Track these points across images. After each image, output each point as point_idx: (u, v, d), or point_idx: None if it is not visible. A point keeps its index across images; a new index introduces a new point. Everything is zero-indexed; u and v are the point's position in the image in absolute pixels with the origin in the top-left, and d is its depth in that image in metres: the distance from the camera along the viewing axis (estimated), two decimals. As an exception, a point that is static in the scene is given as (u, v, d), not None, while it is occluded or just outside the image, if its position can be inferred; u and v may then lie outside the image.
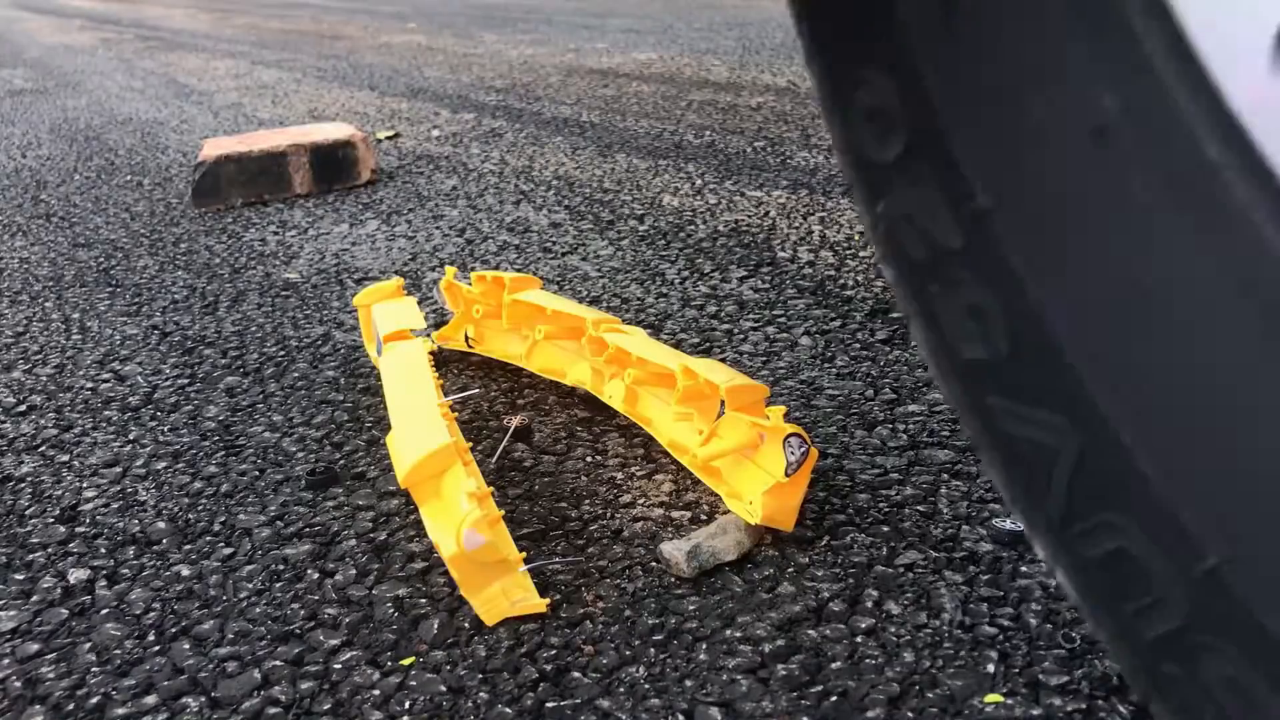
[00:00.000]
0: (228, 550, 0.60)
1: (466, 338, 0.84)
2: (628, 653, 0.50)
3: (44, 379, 0.86)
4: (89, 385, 0.84)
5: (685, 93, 2.03)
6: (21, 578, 0.58)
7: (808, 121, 1.68)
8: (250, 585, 0.57)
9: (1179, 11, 0.25)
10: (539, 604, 0.52)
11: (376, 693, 0.48)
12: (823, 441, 0.68)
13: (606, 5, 3.98)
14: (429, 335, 0.85)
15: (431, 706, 0.47)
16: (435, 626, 0.52)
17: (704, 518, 0.60)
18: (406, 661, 0.50)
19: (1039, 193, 0.28)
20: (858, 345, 0.82)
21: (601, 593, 0.54)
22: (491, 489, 0.55)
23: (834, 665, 0.48)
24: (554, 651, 0.50)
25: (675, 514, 0.61)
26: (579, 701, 0.47)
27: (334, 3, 5.37)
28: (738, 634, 0.50)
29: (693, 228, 1.16)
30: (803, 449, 0.56)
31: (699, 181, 1.35)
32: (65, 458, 0.72)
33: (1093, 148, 0.26)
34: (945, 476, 0.63)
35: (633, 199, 1.30)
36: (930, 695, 0.46)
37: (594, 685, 0.48)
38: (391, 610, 0.54)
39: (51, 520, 0.64)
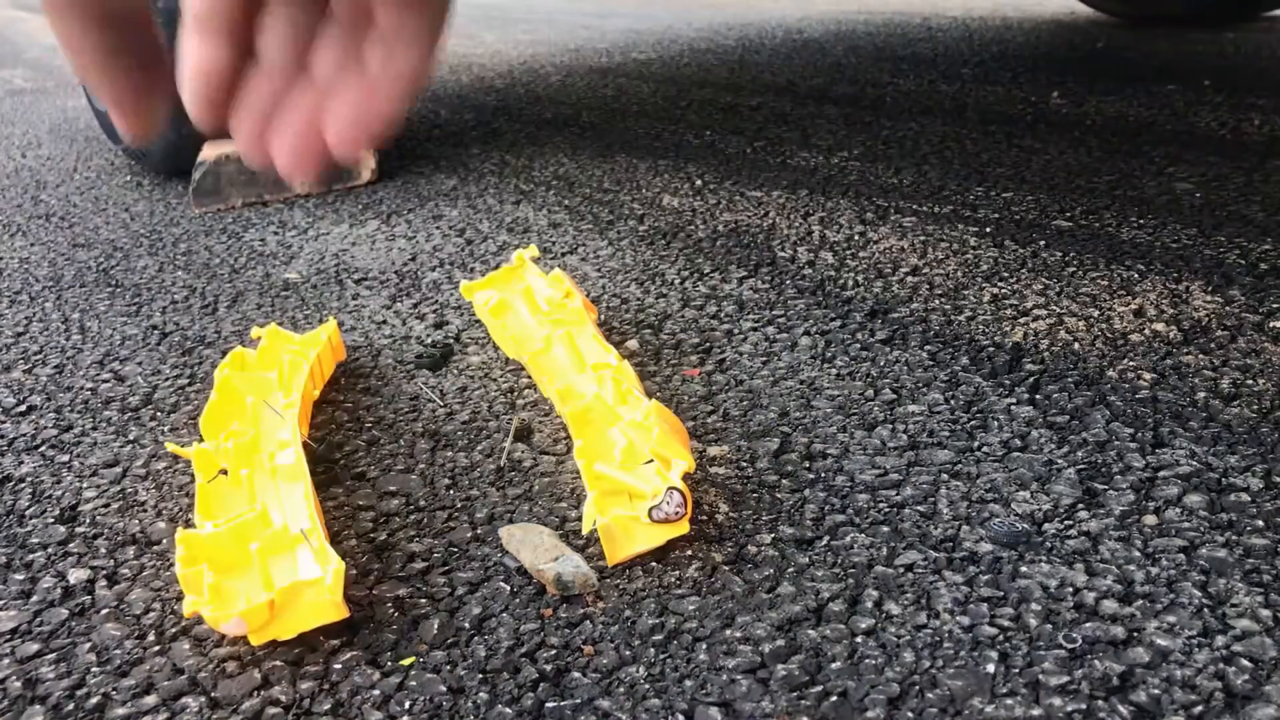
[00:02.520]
0: (227, 550, 0.60)
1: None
2: (627, 653, 0.50)
3: (44, 379, 0.86)
4: (89, 385, 0.84)
5: (685, 93, 2.03)
6: (21, 578, 0.58)
7: (807, 121, 1.68)
8: (250, 585, 0.57)
9: None
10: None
11: (376, 693, 0.48)
12: (822, 442, 0.68)
13: (607, 5, 3.98)
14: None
15: (431, 707, 0.47)
16: (435, 626, 0.52)
17: (703, 518, 0.60)
18: (406, 662, 0.50)
19: None
20: (857, 345, 0.83)
21: (601, 593, 0.54)
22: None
23: (834, 665, 0.48)
24: (554, 652, 0.50)
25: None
26: (579, 702, 0.47)
27: (334, 3, 5.36)
28: (737, 634, 0.50)
29: (692, 228, 1.16)
30: (678, 510, 0.55)
31: (699, 181, 1.36)
32: (65, 458, 0.72)
33: None
34: (945, 477, 0.63)
35: (632, 199, 1.30)
36: (930, 696, 0.46)
37: (594, 685, 0.48)
38: (392, 610, 0.54)
39: (51, 520, 0.64)
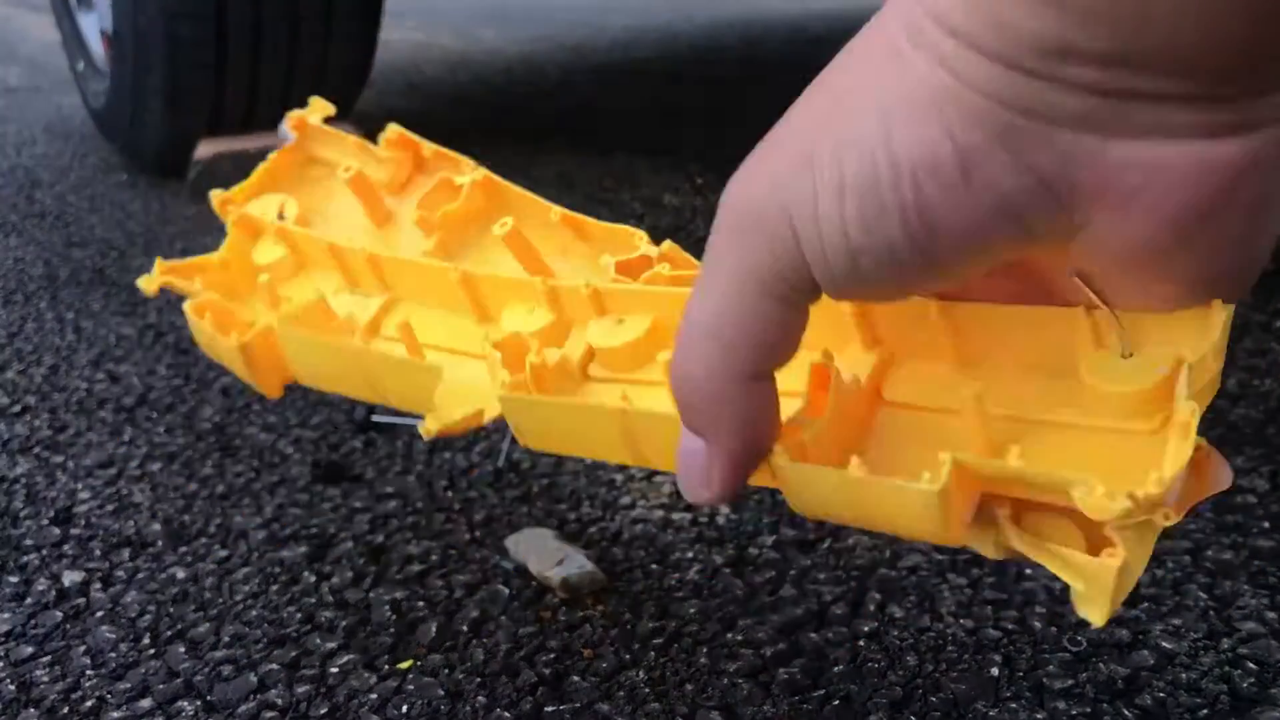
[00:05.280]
0: (223, 553, 0.59)
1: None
2: (627, 656, 0.49)
3: (38, 379, 0.85)
4: (83, 386, 0.83)
5: (687, 91, 2.02)
6: (15, 580, 0.58)
7: (807, 120, 1.68)
8: (246, 588, 0.56)
9: None
10: None
11: (374, 696, 0.48)
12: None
13: (607, 3, 3.98)
14: None
15: (429, 710, 0.47)
16: (433, 630, 0.52)
17: (703, 520, 0.59)
18: (404, 665, 0.50)
19: None
20: (858, 345, 0.82)
21: (601, 595, 0.54)
22: None
23: (836, 669, 0.48)
24: (553, 655, 0.50)
25: (675, 516, 0.60)
26: (578, 705, 0.46)
27: (331, 0, 5.34)
28: (739, 637, 0.50)
29: (694, 226, 1.15)
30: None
31: (700, 180, 1.35)
32: (60, 459, 0.71)
33: None
34: (947, 477, 0.62)
35: (633, 198, 1.30)
36: (933, 699, 0.45)
37: (593, 689, 0.47)
38: (389, 613, 0.53)
39: (46, 522, 0.64)
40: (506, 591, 0.54)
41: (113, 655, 0.51)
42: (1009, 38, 0.18)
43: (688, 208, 1.23)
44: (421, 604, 0.54)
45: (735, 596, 0.53)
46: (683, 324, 0.24)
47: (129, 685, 0.49)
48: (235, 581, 0.57)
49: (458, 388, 0.38)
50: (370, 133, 0.52)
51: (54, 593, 0.57)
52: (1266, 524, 0.56)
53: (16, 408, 0.80)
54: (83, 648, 0.52)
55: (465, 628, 0.52)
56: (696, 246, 0.99)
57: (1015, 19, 0.18)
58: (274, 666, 0.50)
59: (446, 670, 0.49)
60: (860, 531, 0.57)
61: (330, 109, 0.51)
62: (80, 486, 0.68)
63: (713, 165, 1.41)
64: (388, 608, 0.54)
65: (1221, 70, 0.18)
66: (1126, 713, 0.44)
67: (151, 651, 0.52)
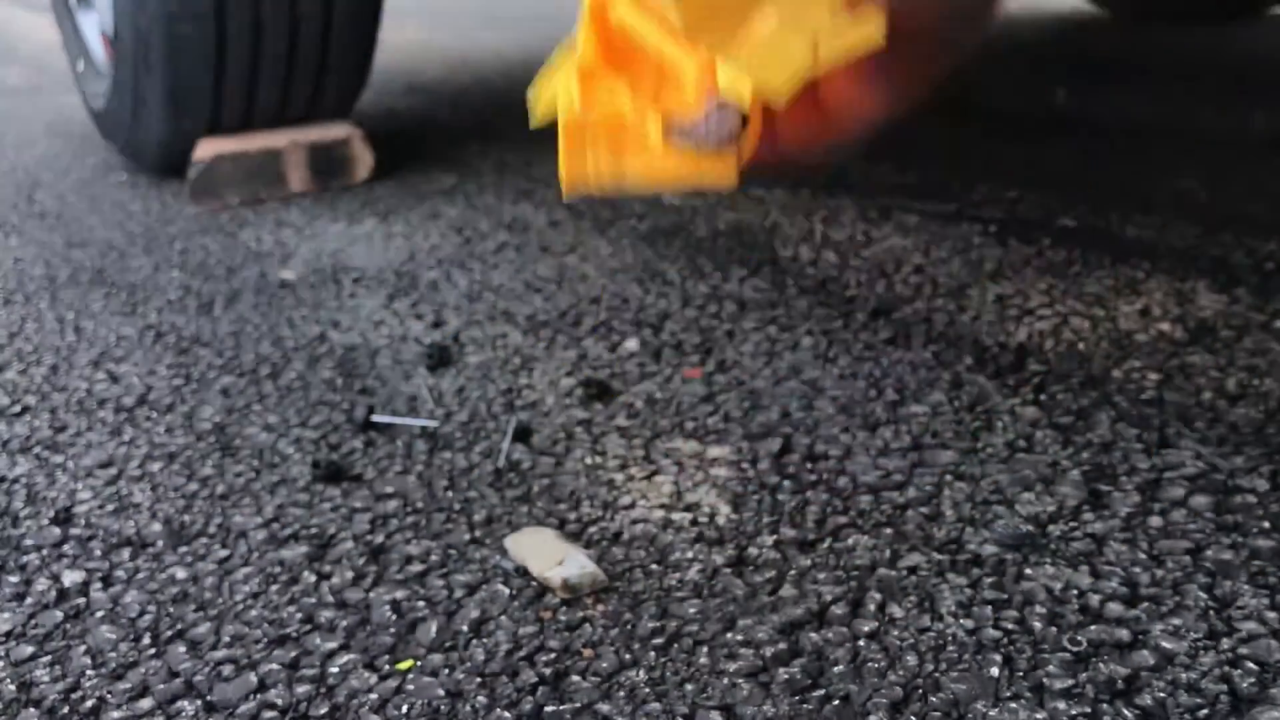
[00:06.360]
0: (223, 552, 0.59)
1: None
2: (627, 656, 0.49)
3: (38, 379, 0.85)
4: (84, 386, 0.83)
5: (684, 91, 2.02)
6: (16, 580, 0.58)
7: (807, 120, 1.67)
8: (246, 588, 0.56)
9: None
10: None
11: (374, 696, 0.48)
12: (825, 443, 0.67)
13: (605, 4, 3.96)
14: None
15: (429, 710, 0.47)
16: (433, 630, 0.52)
17: (704, 520, 0.59)
18: (404, 665, 0.50)
19: None
20: (860, 345, 0.82)
21: (601, 595, 0.54)
22: None
23: (836, 669, 0.48)
24: (553, 655, 0.50)
25: (676, 516, 0.60)
26: (578, 706, 0.46)
27: (332, 1, 5.34)
28: (739, 637, 0.50)
29: (693, 226, 1.15)
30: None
31: (698, 180, 1.35)
32: (60, 459, 0.71)
33: None
34: (948, 478, 0.62)
35: (632, 197, 1.30)
36: (934, 700, 0.45)
37: (593, 689, 0.47)
38: (389, 613, 0.53)
39: (46, 522, 0.64)
40: (506, 591, 0.54)
41: (113, 655, 0.51)
42: None
43: (688, 208, 1.23)
44: (421, 604, 0.54)
45: (735, 596, 0.53)
46: None
47: (129, 685, 0.49)
48: (235, 581, 0.57)
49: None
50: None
51: (54, 593, 0.57)
52: (1266, 524, 0.56)
53: (16, 408, 0.80)
54: (83, 648, 0.52)
55: (465, 628, 0.52)
56: (697, 246, 0.99)
57: None
58: (274, 666, 0.50)
59: (446, 670, 0.49)
60: (861, 531, 0.57)
61: None
62: (80, 486, 0.68)
63: (713, 165, 1.41)
64: (388, 608, 0.54)
65: None
66: (1126, 713, 0.44)
67: (151, 651, 0.52)
